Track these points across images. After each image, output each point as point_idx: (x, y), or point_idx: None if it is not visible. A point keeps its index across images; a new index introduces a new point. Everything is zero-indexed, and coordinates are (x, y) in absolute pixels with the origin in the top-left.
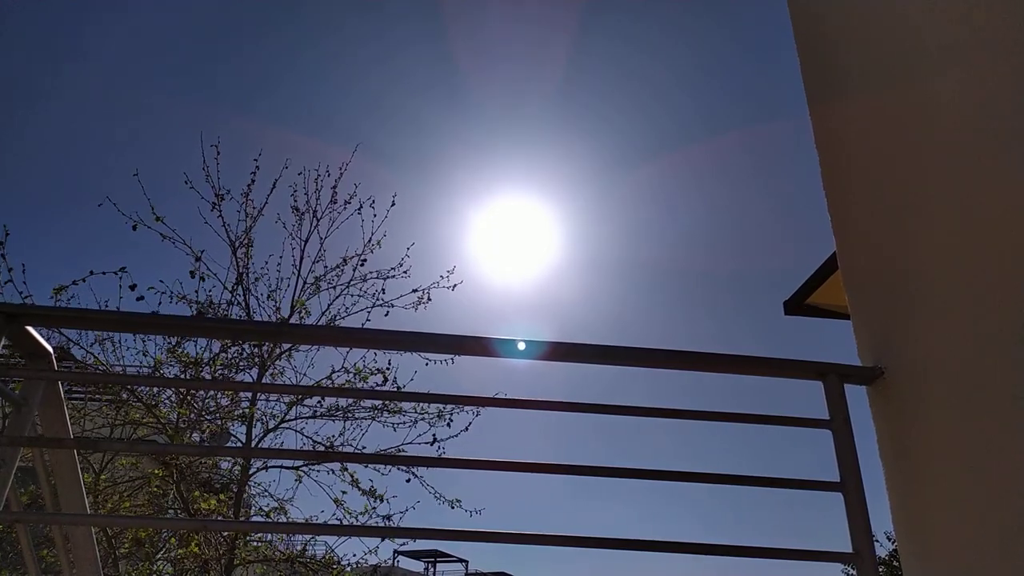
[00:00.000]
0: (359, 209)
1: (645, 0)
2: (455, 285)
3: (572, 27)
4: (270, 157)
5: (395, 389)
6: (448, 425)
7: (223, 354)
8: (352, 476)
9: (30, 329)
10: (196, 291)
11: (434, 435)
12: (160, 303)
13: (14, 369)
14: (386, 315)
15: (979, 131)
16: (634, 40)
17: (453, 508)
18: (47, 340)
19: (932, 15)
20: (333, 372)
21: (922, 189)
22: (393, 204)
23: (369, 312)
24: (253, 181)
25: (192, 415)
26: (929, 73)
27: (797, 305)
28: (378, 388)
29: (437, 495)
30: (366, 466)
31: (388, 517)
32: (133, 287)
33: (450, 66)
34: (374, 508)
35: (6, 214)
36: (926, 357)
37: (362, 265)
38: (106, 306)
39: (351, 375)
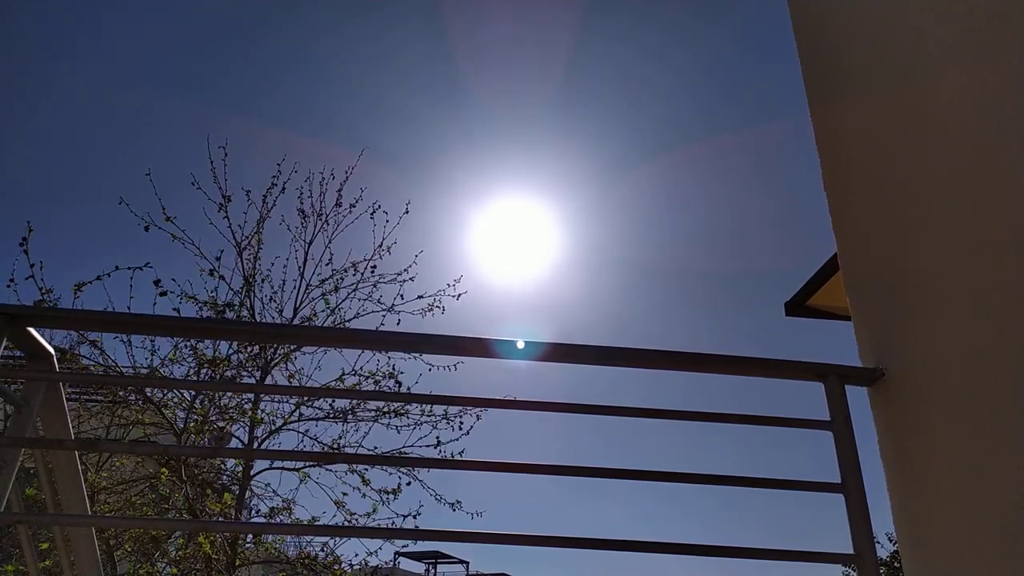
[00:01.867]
0: (372, 214)
1: (645, 0)
2: (460, 295)
3: (572, 27)
4: (270, 158)
5: (398, 390)
6: (456, 428)
7: (236, 355)
8: (362, 477)
9: (31, 330)
10: (215, 291)
11: (437, 438)
12: (156, 303)
13: (15, 370)
14: (398, 323)
15: (979, 131)
16: (634, 40)
17: (455, 511)
18: (49, 341)
19: (932, 15)
20: (343, 375)
21: (922, 189)
22: (407, 212)
23: (383, 321)
24: (274, 184)
25: (200, 417)
26: (929, 73)
27: (798, 306)
28: (380, 390)
29: (438, 497)
30: (368, 468)
31: (396, 519)
32: (157, 282)
33: (450, 66)
34: (384, 503)
35: (6, 214)
36: (927, 358)
37: (372, 271)
38: (113, 304)
39: (362, 378)
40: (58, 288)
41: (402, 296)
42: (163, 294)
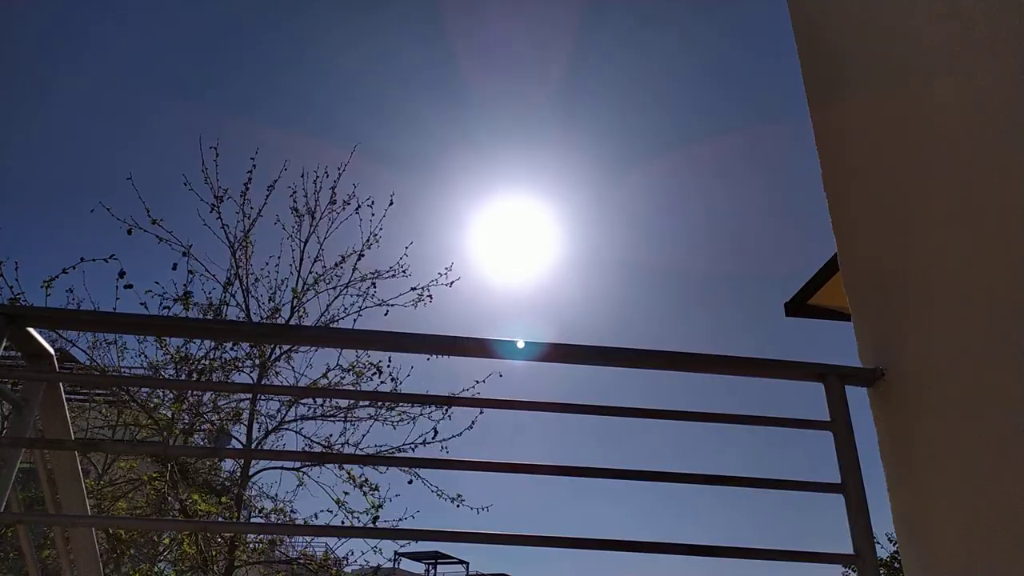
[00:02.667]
0: (357, 208)
1: (645, 1)
2: (452, 282)
3: (572, 27)
4: (270, 158)
5: (393, 387)
6: (446, 417)
7: (217, 351)
8: (349, 474)
9: (31, 330)
10: (185, 284)
11: (435, 429)
12: (157, 303)
13: (15, 370)
14: (386, 314)
15: (979, 131)
16: (634, 40)
17: (458, 507)
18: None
19: (932, 15)
20: (329, 370)
21: (922, 190)
22: (391, 203)
23: (360, 312)
24: (250, 180)
25: (187, 415)
26: (929, 73)
27: (798, 306)
28: (377, 390)
29: (440, 493)
30: (363, 468)
31: (393, 519)
32: (122, 274)
33: (450, 66)
34: (377, 510)
35: (4, 215)
36: (927, 358)
37: (360, 259)
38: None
39: (346, 372)
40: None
41: (374, 285)
42: (128, 287)
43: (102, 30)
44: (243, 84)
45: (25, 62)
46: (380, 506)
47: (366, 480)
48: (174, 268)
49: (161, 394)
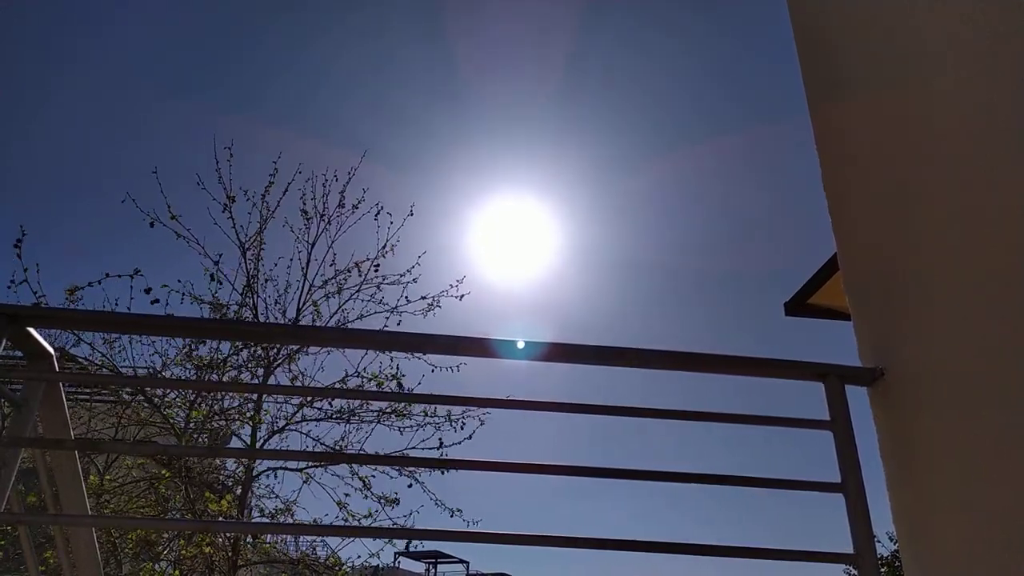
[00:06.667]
0: (376, 216)
1: (645, 0)
2: (463, 296)
3: (572, 27)
4: (269, 158)
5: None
6: (461, 427)
7: (234, 357)
8: (363, 480)
9: (31, 330)
10: (215, 294)
11: (440, 440)
12: (168, 304)
13: (15, 370)
14: (399, 324)
15: (979, 130)
16: (634, 40)
17: (452, 516)
18: (50, 341)
19: (932, 15)
20: (347, 376)
21: (923, 189)
22: (411, 214)
23: (387, 318)
24: (272, 183)
25: (201, 417)
26: (929, 73)
27: (798, 306)
28: (382, 390)
29: (438, 502)
30: (373, 470)
31: (398, 519)
32: (148, 291)
33: (450, 66)
34: (381, 510)
35: (11, 213)
36: (927, 358)
37: (376, 271)
38: (118, 306)
39: (365, 379)
40: (57, 289)
41: (407, 299)
42: (155, 302)
43: (101, 29)
44: (242, 83)
45: (25, 63)
46: (396, 502)
47: (385, 497)
48: (211, 279)
49: (163, 393)
